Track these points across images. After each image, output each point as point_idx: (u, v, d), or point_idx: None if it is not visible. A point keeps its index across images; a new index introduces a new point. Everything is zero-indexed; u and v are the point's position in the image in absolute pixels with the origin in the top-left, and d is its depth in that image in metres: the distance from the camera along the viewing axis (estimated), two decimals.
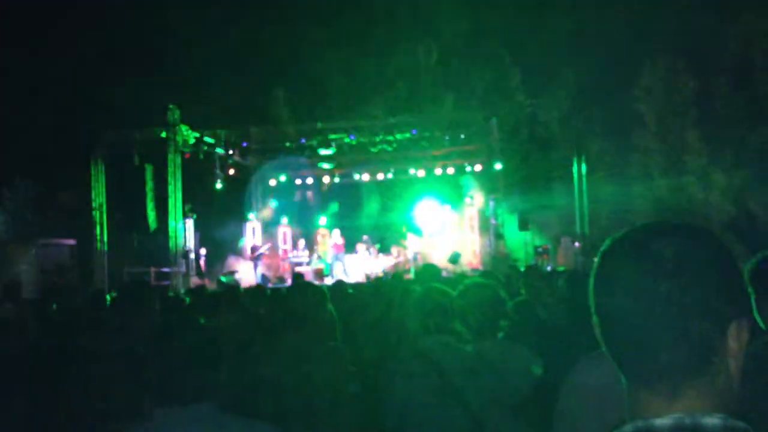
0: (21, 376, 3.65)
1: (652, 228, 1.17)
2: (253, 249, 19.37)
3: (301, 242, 19.86)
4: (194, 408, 2.16)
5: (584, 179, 17.71)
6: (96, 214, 18.00)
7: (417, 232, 19.46)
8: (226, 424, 2.20)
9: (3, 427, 3.53)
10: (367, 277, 17.96)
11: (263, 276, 18.55)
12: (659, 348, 1.08)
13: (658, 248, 1.12)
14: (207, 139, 18.81)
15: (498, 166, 18.94)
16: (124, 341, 3.20)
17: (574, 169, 17.56)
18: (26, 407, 3.50)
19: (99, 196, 18.06)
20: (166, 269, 17.95)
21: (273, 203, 22.05)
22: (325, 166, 20.72)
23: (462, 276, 8.44)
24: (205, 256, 19.10)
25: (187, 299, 6.25)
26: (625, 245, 1.16)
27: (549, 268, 17.43)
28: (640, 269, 1.11)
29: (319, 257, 19.33)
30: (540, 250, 18.48)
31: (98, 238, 17.95)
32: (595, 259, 1.22)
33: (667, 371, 1.08)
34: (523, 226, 18.09)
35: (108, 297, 5.69)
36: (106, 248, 17.98)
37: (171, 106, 17.74)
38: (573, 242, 18.14)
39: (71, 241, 18.80)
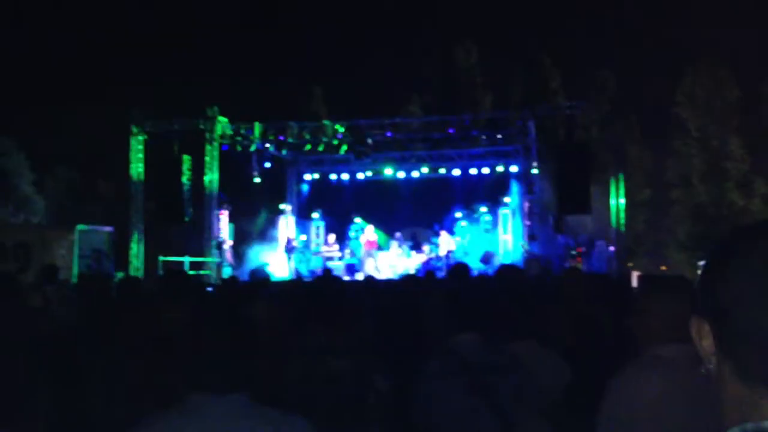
0: (57, 359, 3.71)
1: None
2: (288, 242, 19.48)
3: (332, 237, 19.94)
4: (230, 398, 2.17)
5: (621, 183, 17.51)
6: (133, 202, 18.27)
7: (450, 231, 19.40)
8: (260, 415, 2.21)
9: (37, 411, 3.58)
10: (399, 274, 17.95)
11: (296, 269, 18.66)
12: None
13: None
14: (244, 131, 18.97)
15: (534, 167, 18.81)
16: (160, 329, 3.23)
17: (612, 173, 17.36)
18: (61, 391, 3.55)
19: (137, 185, 18.31)
20: (200, 259, 18.14)
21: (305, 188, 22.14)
22: (361, 162, 20.73)
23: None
24: (239, 247, 19.25)
25: (221, 290, 6.31)
26: (758, 240, 1.07)
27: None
28: None
29: (352, 253, 19.37)
30: (574, 252, 18.31)
31: (135, 226, 18.21)
32: (712, 254, 1.14)
33: None
34: (558, 228, 17.93)
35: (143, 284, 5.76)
36: (142, 236, 18.23)
37: (210, 99, 17.94)
38: (608, 246, 17.94)
39: (109, 228, 19.07)
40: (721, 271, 1.08)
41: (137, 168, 18.29)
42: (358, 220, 20.08)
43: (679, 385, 2.55)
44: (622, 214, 17.22)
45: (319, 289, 3.65)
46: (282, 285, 6.82)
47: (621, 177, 17.29)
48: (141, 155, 18.32)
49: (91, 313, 4.31)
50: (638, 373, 2.61)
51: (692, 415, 2.52)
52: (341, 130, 19.00)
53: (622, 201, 17.30)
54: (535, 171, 19.04)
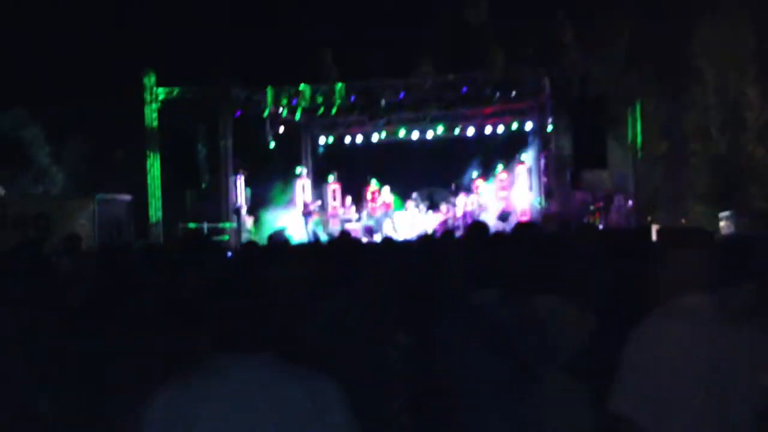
0: (81, 327, 3.76)
1: None
2: (305, 206, 19.54)
3: (348, 199, 19.98)
4: (256, 357, 2.21)
5: (639, 137, 17.33)
6: (150, 170, 18.35)
7: (467, 190, 19.37)
8: (286, 372, 2.24)
9: (64, 378, 3.64)
10: (417, 234, 17.99)
11: (314, 232, 18.74)
12: None
13: None
14: (257, 97, 18.92)
15: (549, 123, 18.66)
16: (182, 292, 3.26)
17: (629, 126, 17.18)
18: (86, 358, 3.61)
19: (152, 153, 18.36)
20: (218, 225, 18.25)
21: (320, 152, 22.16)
22: (375, 124, 20.64)
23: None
24: (256, 212, 19.33)
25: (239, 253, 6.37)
26: None
27: (601, 227, 17.21)
28: None
29: (369, 214, 19.42)
30: (592, 208, 18.22)
31: (152, 194, 18.31)
32: None
33: None
34: (575, 184, 17.83)
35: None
36: (160, 205, 18.33)
37: (223, 64, 17.90)
38: (626, 201, 17.83)
39: (127, 197, 19.19)
40: None
41: (152, 136, 18.33)
42: (373, 181, 20.08)
43: (700, 332, 2.57)
44: (640, 169, 17.07)
45: (337, 251, 3.68)
46: (301, 248, 6.84)
47: (639, 132, 17.12)
48: (156, 123, 18.33)
49: (116, 280, 4.36)
50: (659, 323, 2.62)
51: (713, 362, 2.54)
52: (354, 91, 18.89)
53: (639, 156, 17.14)
54: (550, 127, 18.91)
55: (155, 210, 18.34)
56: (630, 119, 17.03)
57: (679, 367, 2.52)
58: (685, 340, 2.55)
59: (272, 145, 20.01)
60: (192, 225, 17.99)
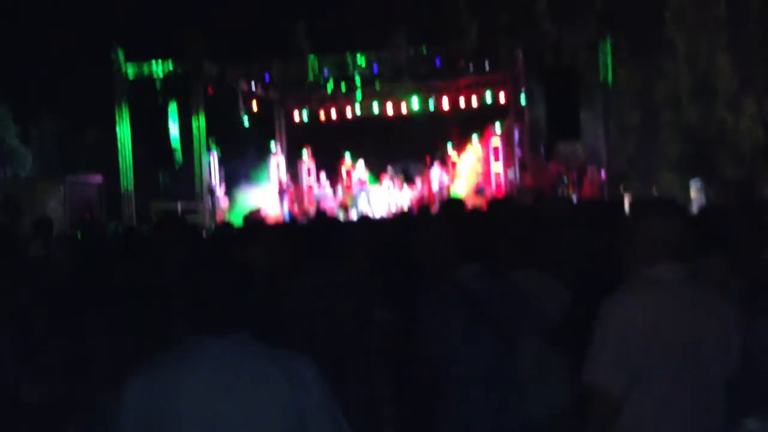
0: (54, 312, 3.73)
1: None
2: (279, 183, 19.43)
3: (323, 175, 19.89)
4: (231, 337, 2.20)
5: (611, 107, 17.40)
6: (121, 149, 18.08)
7: (442, 163, 19.38)
8: (262, 351, 2.24)
9: (42, 363, 3.62)
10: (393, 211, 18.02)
11: (289, 212, 18.68)
12: None
13: None
14: (229, 72, 18.68)
15: (523, 95, 18.67)
16: (157, 275, 3.24)
17: (601, 96, 17.24)
18: (61, 343, 3.58)
19: (123, 132, 18.08)
20: (192, 204, 18.09)
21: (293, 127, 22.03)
22: (348, 98, 20.49)
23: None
24: (231, 191, 19.19)
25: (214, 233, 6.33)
26: None
27: (574, 198, 17.34)
28: None
29: (343, 190, 19.37)
30: (566, 180, 18.32)
31: (124, 174, 18.05)
32: None
33: None
34: (549, 155, 17.90)
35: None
36: (132, 184, 18.08)
37: (193, 39, 17.62)
38: (599, 172, 17.95)
39: (98, 178, 18.96)
40: None
41: (123, 114, 18.04)
42: (347, 156, 20.00)
43: (671, 301, 2.61)
44: (612, 139, 17.17)
45: (315, 229, 3.67)
46: (277, 227, 6.81)
47: (611, 101, 17.19)
48: (126, 101, 18.04)
49: (88, 263, 4.32)
50: (627, 294, 2.66)
51: (685, 330, 2.58)
52: (326, 65, 18.74)
53: (611, 126, 17.21)
54: (524, 99, 18.92)
55: (127, 190, 18.08)
56: (601, 89, 17.06)
57: (651, 335, 2.56)
58: (657, 309, 2.59)
59: (246, 121, 19.79)
60: (164, 204, 17.83)
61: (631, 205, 6.56)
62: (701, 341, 2.58)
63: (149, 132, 17.79)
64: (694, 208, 12.38)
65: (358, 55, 18.53)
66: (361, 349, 3.55)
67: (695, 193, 17.29)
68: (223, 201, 18.66)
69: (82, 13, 25.54)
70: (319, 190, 19.68)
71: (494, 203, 5.90)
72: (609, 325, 2.60)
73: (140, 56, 18.40)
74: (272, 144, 21.42)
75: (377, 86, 19.30)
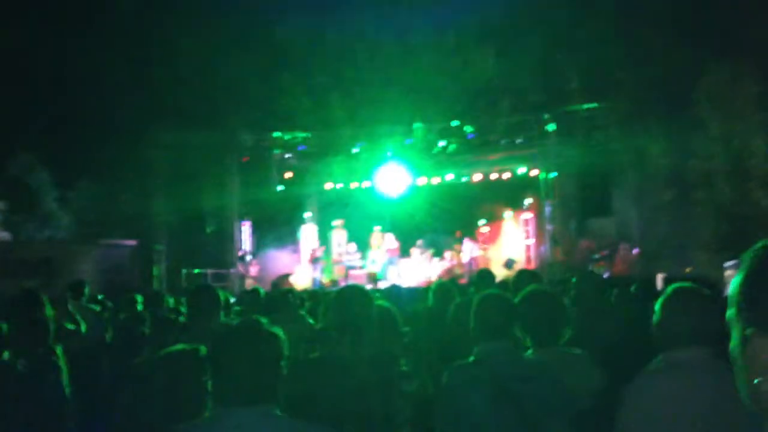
0: (85, 372, 3.74)
1: None
2: (311, 252, 19.51)
3: (353, 246, 19.92)
4: (257, 409, 2.19)
5: (643, 185, 17.36)
6: (155, 215, 18.36)
7: (472, 237, 19.35)
8: (286, 425, 2.22)
9: (67, 424, 3.61)
10: (423, 281, 17.96)
11: (316, 280, 18.70)
12: None
13: None
14: (264, 142, 19.01)
15: (554, 171, 18.74)
16: (189, 342, 3.25)
17: (633, 174, 17.23)
18: (90, 404, 3.58)
19: (158, 198, 18.38)
20: (223, 271, 18.20)
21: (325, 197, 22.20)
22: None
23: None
24: (261, 258, 19.30)
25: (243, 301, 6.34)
26: None
27: (606, 275, 17.15)
28: None
29: (373, 261, 19.39)
30: (597, 256, 18.18)
31: (157, 239, 18.29)
32: (759, 257, 1.14)
33: None
34: (580, 231, 17.83)
35: (170, 299, 5.79)
36: (165, 249, 18.30)
37: (230, 110, 18.03)
38: (632, 249, 17.79)
39: (131, 242, 19.20)
40: (756, 274, 1.07)
41: (159, 181, 18.38)
42: (377, 228, 20.08)
43: (691, 387, 2.56)
44: (645, 217, 17.05)
45: (346, 299, 3.66)
46: (305, 295, 6.83)
47: (643, 179, 17.14)
48: (163, 168, 18.40)
49: (119, 327, 4.35)
50: (648, 380, 2.63)
51: (705, 416, 2.51)
52: (360, 138, 19.00)
53: (643, 204, 17.14)
54: (555, 174, 18.98)
55: (159, 255, 18.29)
56: (634, 167, 17.05)
57: (672, 422, 2.50)
58: (678, 394, 2.54)
59: (278, 190, 20.03)
60: (196, 271, 17.96)
61: (664, 283, 6.47)
62: (723, 428, 2.53)
63: (183, 199, 18.06)
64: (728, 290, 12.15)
65: (391, 128, 18.78)
66: (387, 423, 3.49)
67: (729, 273, 17.01)
68: (253, 268, 18.75)
69: (119, 80, 26.31)
70: (349, 259, 19.69)
71: (521, 275, 5.85)
72: (629, 412, 2.58)
73: (179, 124, 18.82)
74: (304, 212, 21.60)
75: (409, 158, 19.47)
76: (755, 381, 1.12)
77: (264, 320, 2.40)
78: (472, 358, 3.39)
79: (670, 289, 2.89)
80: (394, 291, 6.72)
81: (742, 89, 25.70)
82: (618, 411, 2.60)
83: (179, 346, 3.18)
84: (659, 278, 12.95)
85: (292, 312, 5.27)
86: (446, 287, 6.24)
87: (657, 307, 2.82)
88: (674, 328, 2.67)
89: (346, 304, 3.58)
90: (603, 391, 3.42)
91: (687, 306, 2.68)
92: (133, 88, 26.24)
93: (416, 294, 8.31)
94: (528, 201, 20.07)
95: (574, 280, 6.53)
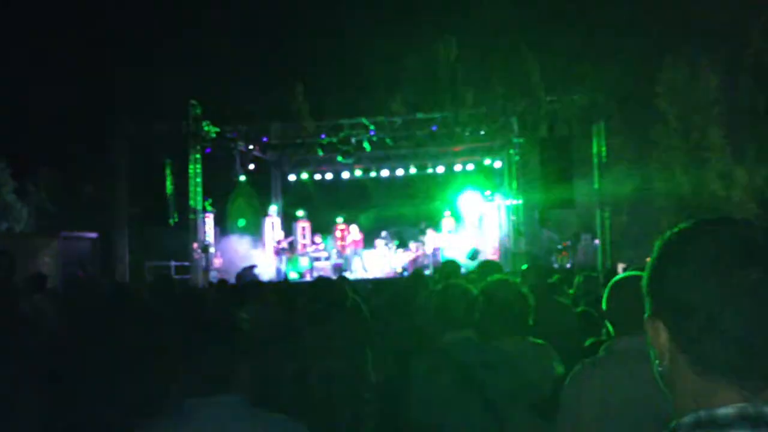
0: (46, 368, 3.70)
1: (726, 219, 1.15)
2: (276, 243, 19.44)
3: (318, 237, 19.90)
4: (222, 400, 2.20)
5: (604, 176, 17.58)
6: (117, 207, 18.10)
7: (436, 228, 19.45)
8: (253, 416, 2.23)
9: (29, 420, 3.58)
10: (386, 273, 18.02)
11: (279, 270, 18.65)
12: (756, 343, 1.05)
13: (748, 234, 1.10)
14: (227, 133, 18.84)
15: (517, 163, 18.90)
16: (153, 334, 3.24)
17: (594, 165, 17.44)
18: (52, 400, 3.55)
19: (120, 190, 18.13)
20: (186, 263, 18.06)
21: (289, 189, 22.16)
22: (344, 161, 20.68)
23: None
24: (225, 250, 19.19)
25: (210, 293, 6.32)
26: (704, 232, 1.13)
27: (569, 266, 17.39)
28: (729, 256, 1.08)
29: (338, 253, 19.39)
30: (560, 247, 18.41)
31: (119, 231, 18.03)
32: (659, 247, 1.19)
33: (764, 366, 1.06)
34: (543, 223, 18.03)
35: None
36: (127, 241, 18.05)
37: (193, 101, 17.84)
38: (593, 240, 18.05)
39: (93, 234, 18.96)
40: (677, 269, 1.13)
41: (120, 172, 18.12)
42: (340, 219, 20.08)
43: (624, 376, 2.60)
44: (606, 208, 17.28)
45: (313, 291, 3.69)
46: (271, 287, 6.83)
47: (604, 171, 17.36)
48: (123, 159, 18.14)
49: (81, 320, 4.31)
50: (585, 369, 2.69)
51: (636, 406, 2.56)
52: (324, 129, 18.94)
53: (605, 195, 17.35)
54: (518, 167, 19.15)
55: (122, 247, 18.04)
56: (595, 158, 17.26)
57: (617, 408, 2.55)
58: (623, 381, 2.59)
59: (241, 181, 19.92)
60: (158, 263, 17.77)
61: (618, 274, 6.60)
62: (656, 414, 2.58)
63: (145, 190, 17.85)
64: None
65: (355, 119, 18.78)
66: (355, 412, 3.53)
67: None
68: (216, 260, 18.64)
69: (82, 69, 25.93)
70: (313, 251, 19.66)
71: (483, 265, 5.93)
72: (567, 400, 2.64)
73: (140, 115, 18.60)
74: (268, 204, 21.53)
75: (372, 150, 19.48)
76: (656, 362, 1.19)
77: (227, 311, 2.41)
78: (435, 349, 3.44)
79: (618, 276, 2.96)
80: (360, 285, 6.76)
81: (701, 82, 26.17)
82: (563, 395, 2.67)
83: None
84: (620, 268, 13.19)
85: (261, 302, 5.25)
86: (417, 277, 6.30)
87: (605, 293, 2.88)
88: (620, 316, 2.74)
89: (314, 295, 3.61)
90: (561, 378, 3.49)
91: (634, 293, 2.72)
92: (94, 76, 25.85)
93: (382, 286, 8.35)
94: (491, 192, 20.22)
95: (579, 279, 6.70)
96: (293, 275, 18.41)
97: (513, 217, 19.33)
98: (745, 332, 1.06)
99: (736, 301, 1.07)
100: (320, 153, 19.26)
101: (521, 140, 18.82)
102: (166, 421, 2.24)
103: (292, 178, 22.36)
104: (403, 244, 19.38)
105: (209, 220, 18.64)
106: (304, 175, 21.97)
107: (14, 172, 27.27)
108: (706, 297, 1.09)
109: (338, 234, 19.90)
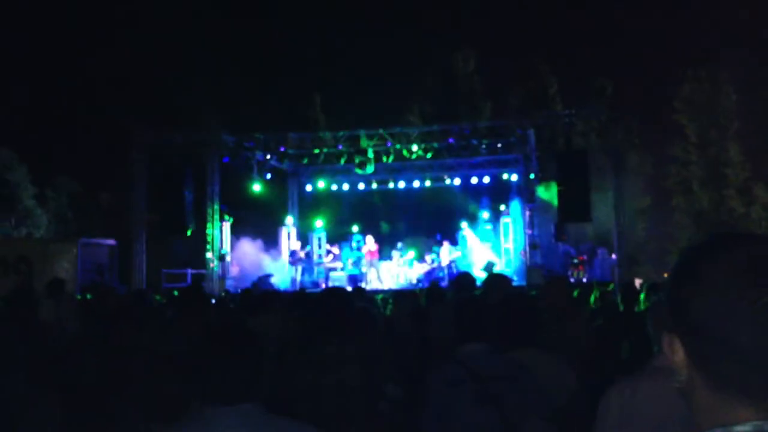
0: (66, 372, 3.73)
1: (744, 235, 1.14)
2: (292, 253, 19.47)
3: (334, 248, 19.91)
4: (241, 408, 2.21)
5: (622, 190, 17.51)
6: (135, 215, 18.23)
7: (452, 240, 19.42)
8: (271, 423, 2.24)
9: (46, 426, 3.60)
10: (402, 284, 18.00)
11: (294, 280, 18.68)
12: None
13: (764, 253, 1.09)
14: (245, 143, 18.95)
15: (534, 175, 18.86)
16: (172, 341, 3.26)
17: (611, 179, 17.38)
18: (70, 405, 3.57)
19: (138, 198, 18.26)
20: (202, 271, 18.13)
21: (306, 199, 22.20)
22: (362, 172, 20.72)
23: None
24: (241, 259, 19.24)
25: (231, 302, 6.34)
26: (721, 249, 1.12)
27: (585, 280, 17.30)
28: (744, 276, 1.07)
29: (354, 263, 19.39)
30: (576, 261, 18.32)
31: (137, 238, 18.15)
32: (676, 264, 1.19)
33: None
34: (559, 236, 17.95)
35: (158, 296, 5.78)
36: (144, 248, 18.16)
37: (211, 111, 17.98)
38: (609, 254, 17.95)
39: (111, 241, 19.09)
40: (691, 287, 1.13)
41: (139, 180, 18.26)
42: (356, 229, 20.08)
43: (664, 393, 2.58)
44: (623, 222, 17.19)
45: (327, 301, 3.69)
46: (288, 296, 6.84)
47: (621, 185, 17.29)
48: (143, 167, 18.28)
49: (98, 326, 4.34)
50: (625, 384, 2.66)
51: (669, 424, 2.55)
52: (341, 140, 19.01)
53: (622, 210, 17.27)
54: (534, 179, 19.09)
55: (139, 254, 18.15)
56: (613, 173, 17.20)
57: (652, 426, 2.54)
58: (659, 398, 2.58)
59: (259, 191, 19.98)
60: (175, 271, 17.84)
61: (642, 289, 6.55)
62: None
63: (163, 198, 17.97)
64: None
65: (372, 131, 18.82)
66: (371, 425, 3.53)
67: None
68: (233, 268, 18.70)
69: (102, 80, 26.20)
70: (329, 261, 19.68)
71: (491, 279, 5.84)
72: (605, 415, 2.61)
73: (159, 124, 18.75)
74: (285, 214, 21.58)
75: (390, 161, 19.51)
76: (676, 378, 1.19)
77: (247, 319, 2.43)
78: (451, 360, 3.44)
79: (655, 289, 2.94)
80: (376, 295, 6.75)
81: (720, 98, 26.04)
82: (599, 409, 2.63)
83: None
84: (637, 283, 13.11)
85: (279, 312, 5.26)
86: (433, 289, 6.29)
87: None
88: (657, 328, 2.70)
89: (329, 304, 3.61)
90: (576, 390, 3.48)
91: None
92: (115, 86, 26.11)
93: (398, 297, 8.35)
94: (507, 205, 20.16)
95: (596, 294, 6.66)
96: (309, 285, 18.43)
97: (529, 231, 19.25)
98: (759, 353, 1.07)
99: (751, 321, 1.06)
100: (342, 162, 19.31)
101: (538, 153, 18.77)
102: (185, 429, 2.25)
103: (308, 188, 22.42)
104: (418, 256, 19.36)
105: (226, 228, 18.71)
106: (321, 185, 22.00)
107: (34, 179, 27.55)
108: (720, 317, 1.08)
109: (354, 245, 19.87)
